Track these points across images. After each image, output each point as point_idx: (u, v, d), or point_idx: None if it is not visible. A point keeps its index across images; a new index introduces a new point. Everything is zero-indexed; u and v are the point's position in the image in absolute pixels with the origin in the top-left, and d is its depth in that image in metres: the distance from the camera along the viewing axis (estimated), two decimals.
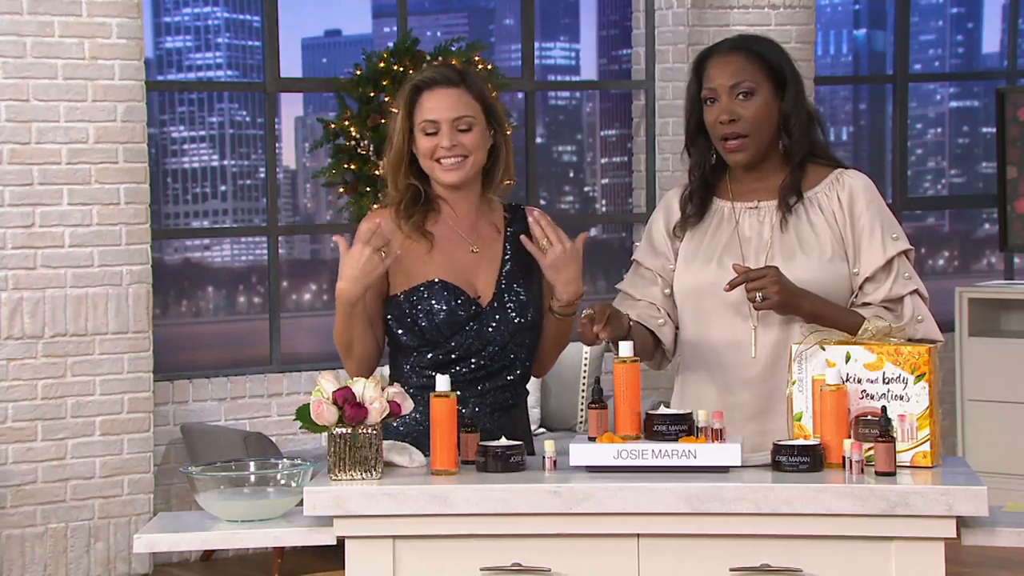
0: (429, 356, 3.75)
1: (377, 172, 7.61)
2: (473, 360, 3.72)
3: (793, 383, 3.44)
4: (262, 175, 8.42)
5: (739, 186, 3.82)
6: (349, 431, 3.33)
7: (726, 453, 3.31)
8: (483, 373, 3.72)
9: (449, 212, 3.82)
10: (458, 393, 3.45)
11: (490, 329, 3.74)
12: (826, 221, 3.74)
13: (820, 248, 3.72)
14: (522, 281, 3.80)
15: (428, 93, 3.75)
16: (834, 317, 3.61)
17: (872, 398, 3.36)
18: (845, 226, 3.74)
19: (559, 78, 10.17)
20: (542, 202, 9.42)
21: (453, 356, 3.74)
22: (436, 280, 3.74)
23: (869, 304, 3.69)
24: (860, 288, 3.73)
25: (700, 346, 3.79)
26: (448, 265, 3.77)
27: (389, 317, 3.77)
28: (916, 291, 3.74)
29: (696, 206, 3.84)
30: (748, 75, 3.72)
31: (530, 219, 3.67)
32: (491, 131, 3.80)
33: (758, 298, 3.58)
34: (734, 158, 3.75)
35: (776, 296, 3.57)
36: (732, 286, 3.59)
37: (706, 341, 3.78)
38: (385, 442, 3.45)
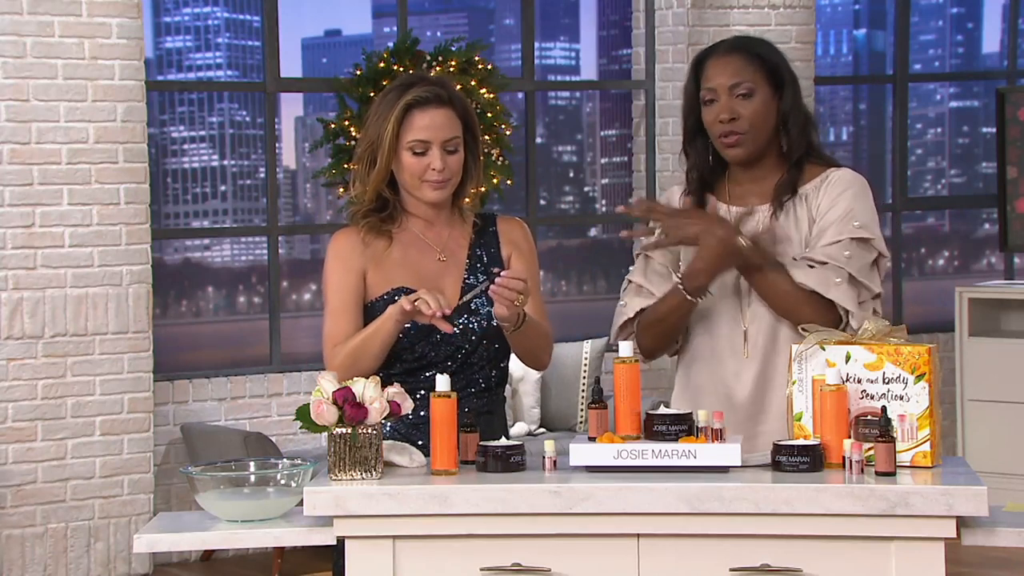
0: (398, 365, 3.75)
1: None
2: (440, 368, 3.70)
3: (793, 383, 3.44)
4: (262, 175, 8.42)
5: (736, 188, 3.82)
6: (349, 431, 3.33)
7: (726, 453, 3.31)
8: (453, 380, 3.69)
9: (417, 222, 3.82)
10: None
11: (457, 335, 3.73)
12: (809, 217, 3.75)
13: (800, 247, 3.72)
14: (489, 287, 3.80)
15: (420, 112, 3.72)
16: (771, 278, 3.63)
17: (872, 398, 3.36)
18: (822, 214, 3.74)
19: (559, 78, 10.17)
20: (542, 202, 9.42)
21: (422, 364, 3.74)
22: (400, 288, 3.75)
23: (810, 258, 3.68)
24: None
25: (697, 348, 3.81)
26: (415, 273, 3.77)
27: None
28: (851, 276, 3.69)
29: (694, 206, 3.84)
30: (747, 75, 3.73)
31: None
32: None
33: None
34: (732, 153, 3.76)
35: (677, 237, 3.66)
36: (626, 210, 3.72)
37: (702, 343, 3.79)
38: (385, 442, 3.45)
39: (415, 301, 3.57)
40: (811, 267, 3.67)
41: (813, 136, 3.81)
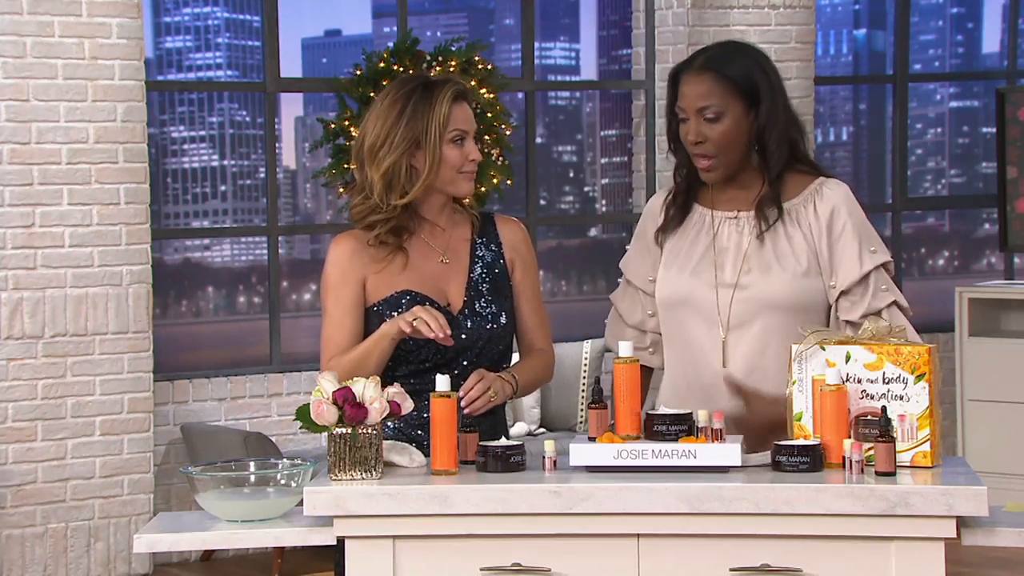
0: (404, 367, 3.75)
1: None
2: (448, 369, 3.70)
3: (793, 383, 3.44)
4: (262, 175, 8.42)
5: (720, 195, 3.82)
6: (349, 431, 3.34)
7: (726, 453, 3.31)
8: (457, 381, 3.70)
9: (421, 225, 3.83)
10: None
11: (463, 336, 3.74)
12: (803, 234, 3.74)
13: (796, 262, 3.71)
14: (491, 287, 3.81)
15: (458, 104, 3.75)
16: None
17: (872, 398, 3.36)
18: (821, 239, 3.73)
19: (559, 78, 10.17)
20: (542, 202, 9.42)
21: (428, 366, 3.74)
22: (405, 291, 3.76)
23: (851, 323, 3.69)
24: (836, 302, 3.72)
25: (677, 355, 3.81)
26: (418, 276, 3.78)
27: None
28: (895, 302, 3.73)
29: (678, 208, 3.84)
30: (715, 99, 3.69)
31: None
32: None
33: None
34: (706, 176, 3.77)
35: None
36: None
37: (682, 351, 3.79)
38: (385, 442, 3.45)
39: (413, 321, 3.58)
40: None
41: (799, 142, 3.78)
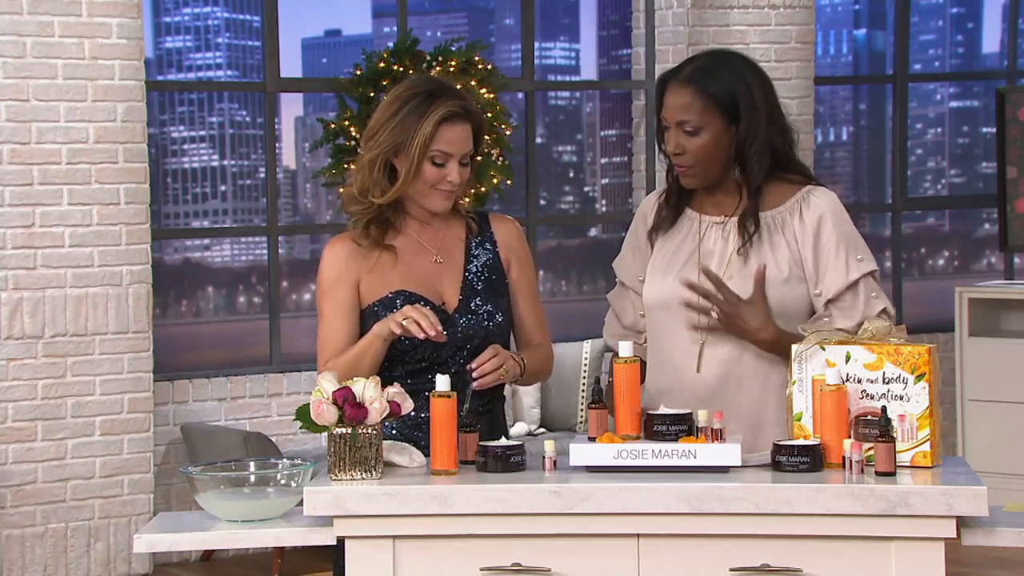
0: (401, 367, 3.75)
1: None
2: (444, 369, 3.70)
3: (793, 383, 3.44)
4: (262, 175, 8.42)
5: (708, 199, 3.83)
6: (349, 431, 3.34)
7: (726, 453, 3.31)
8: (455, 380, 3.69)
9: (413, 223, 3.83)
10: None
11: (459, 335, 3.75)
12: (786, 242, 3.73)
13: (777, 269, 3.72)
14: (486, 286, 3.81)
15: (448, 125, 3.74)
16: None
17: (872, 398, 3.36)
18: (805, 246, 3.73)
19: (559, 78, 10.16)
20: (542, 202, 9.42)
21: (425, 365, 3.74)
22: (400, 291, 3.76)
23: (844, 331, 3.69)
24: (826, 309, 3.72)
25: (659, 359, 3.81)
26: (411, 276, 3.79)
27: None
28: (884, 310, 3.74)
29: (671, 209, 3.84)
30: (695, 113, 3.70)
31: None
32: None
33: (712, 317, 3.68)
34: (684, 182, 3.79)
35: (719, 323, 3.67)
36: (691, 286, 3.68)
37: (663, 355, 3.79)
38: (385, 442, 3.45)
39: (404, 321, 3.59)
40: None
41: (787, 151, 3.77)
